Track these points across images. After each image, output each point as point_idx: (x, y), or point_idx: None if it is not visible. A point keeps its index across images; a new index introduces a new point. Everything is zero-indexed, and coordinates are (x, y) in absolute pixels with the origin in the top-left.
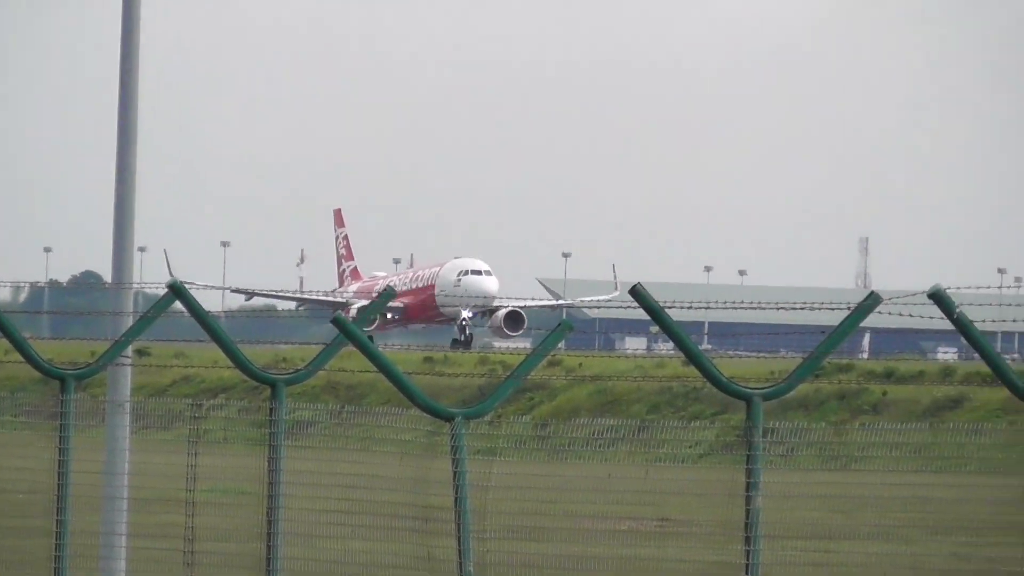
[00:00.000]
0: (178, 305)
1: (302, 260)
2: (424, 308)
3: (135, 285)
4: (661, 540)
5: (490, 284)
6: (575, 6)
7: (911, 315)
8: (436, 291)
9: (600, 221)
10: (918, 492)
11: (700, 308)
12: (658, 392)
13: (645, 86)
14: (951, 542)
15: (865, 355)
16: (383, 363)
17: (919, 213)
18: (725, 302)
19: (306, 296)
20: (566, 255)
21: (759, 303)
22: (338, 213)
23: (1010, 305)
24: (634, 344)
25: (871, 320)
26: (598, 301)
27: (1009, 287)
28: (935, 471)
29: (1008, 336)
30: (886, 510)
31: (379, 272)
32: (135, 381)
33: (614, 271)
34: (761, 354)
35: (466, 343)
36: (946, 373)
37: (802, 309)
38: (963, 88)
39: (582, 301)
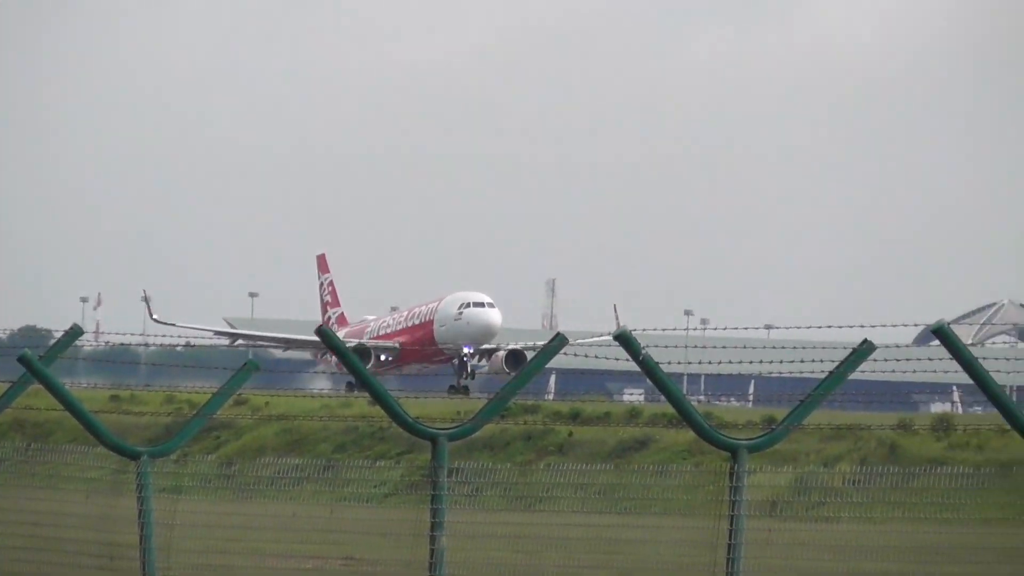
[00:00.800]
0: None
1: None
2: (422, 346)
3: None
4: None
5: (494, 317)
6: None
7: (597, 356)
8: (435, 326)
9: (286, 262)
10: (603, 533)
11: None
12: (344, 431)
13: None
14: None
15: (551, 396)
16: (70, 401)
17: (606, 255)
18: None
19: (295, 337)
20: (253, 295)
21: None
22: (322, 259)
23: (695, 347)
24: (321, 384)
25: (557, 361)
26: (596, 341)
27: (695, 329)
28: (620, 512)
29: (694, 378)
30: (571, 551)
31: (369, 316)
32: None
33: (616, 311)
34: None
35: (466, 389)
36: (632, 414)
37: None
38: (643, 129)
39: (579, 342)
